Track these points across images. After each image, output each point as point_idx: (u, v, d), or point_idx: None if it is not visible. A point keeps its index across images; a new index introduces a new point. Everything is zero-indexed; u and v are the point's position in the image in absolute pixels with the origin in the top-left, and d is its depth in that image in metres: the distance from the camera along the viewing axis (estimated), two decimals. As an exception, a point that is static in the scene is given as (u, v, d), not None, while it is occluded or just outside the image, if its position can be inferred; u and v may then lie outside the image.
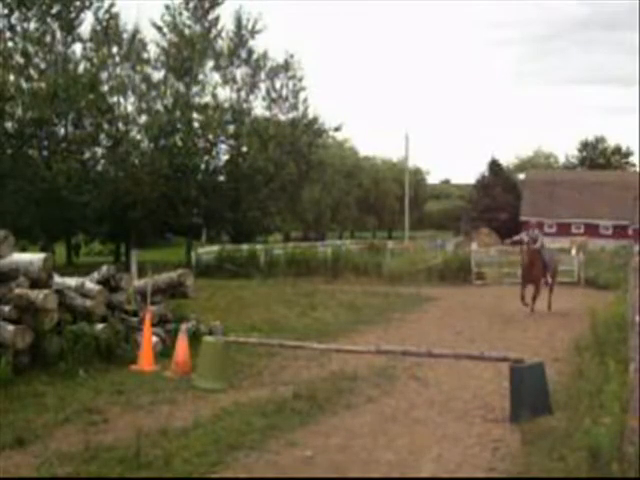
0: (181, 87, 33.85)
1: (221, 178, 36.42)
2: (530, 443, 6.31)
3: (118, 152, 31.08)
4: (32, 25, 30.29)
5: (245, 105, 36.67)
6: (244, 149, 35.94)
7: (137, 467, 5.70)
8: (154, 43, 34.27)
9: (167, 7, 34.89)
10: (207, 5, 35.12)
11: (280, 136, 35.84)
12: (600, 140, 78.93)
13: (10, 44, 29.92)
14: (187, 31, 34.71)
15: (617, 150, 78.58)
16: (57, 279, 10.24)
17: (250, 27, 36.14)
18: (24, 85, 29.44)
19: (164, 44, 34.40)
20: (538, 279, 16.47)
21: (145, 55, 33.55)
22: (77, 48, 31.95)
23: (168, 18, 34.85)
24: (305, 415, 7.39)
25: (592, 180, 61.75)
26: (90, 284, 10.39)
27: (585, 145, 79.23)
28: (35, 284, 9.57)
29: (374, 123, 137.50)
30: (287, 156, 36.10)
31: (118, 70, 32.51)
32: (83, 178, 29.65)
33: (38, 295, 9.22)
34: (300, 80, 37.63)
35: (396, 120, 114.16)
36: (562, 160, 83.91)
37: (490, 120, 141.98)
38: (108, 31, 31.97)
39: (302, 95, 37.72)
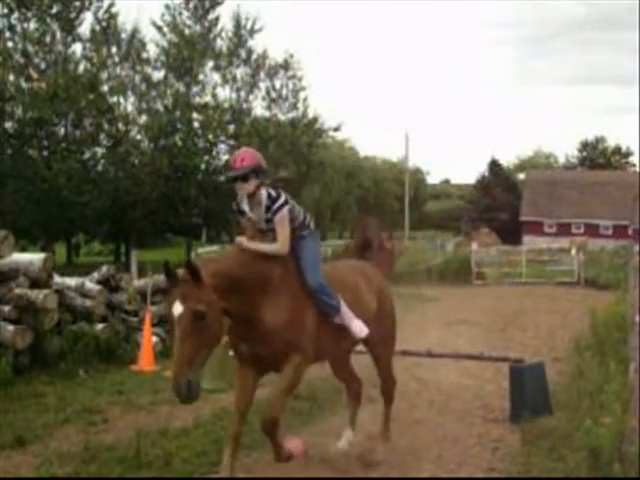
0: (181, 87, 33.90)
1: (221, 178, 36.39)
2: (530, 443, 6.30)
3: (118, 152, 31.09)
4: (32, 25, 30.42)
5: (245, 105, 36.71)
6: (244, 149, 35.90)
7: (137, 467, 5.69)
8: (154, 43, 34.41)
9: (167, 7, 35.05)
10: (207, 5, 35.17)
11: (280, 136, 35.85)
12: (600, 140, 78.85)
13: (10, 44, 29.98)
14: (187, 31, 34.75)
15: (617, 150, 78.47)
16: (57, 279, 10.22)
17: (249, 27, 36.21)
18: (24, 85, 29.47)
19: (164, 44, 34.47)
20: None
21: (145, 55, 33.64)
22: (77, 48, 32.12)
23: (168, 18, 34.99)
24: (305, 415, 7.38)
25: (592, 180, 61.73)
26: (90, 284, 10.39)
27: (585, 145, 79.17)
28: (35, 284, 9.55)
29: (374, 123, 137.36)
30: (287, 156, 36.09)
31: (118, 70, 32.56)
32: (83, 178, 29.67)
33: (38, 295, 9.21)
34: (300, 80, 37.71)
35: (396, 120, 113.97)
36: (562, 160, 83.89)
37: (490, 120, 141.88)
38: (108, 31, 32.01)
39: (302, 95, 37.81)
